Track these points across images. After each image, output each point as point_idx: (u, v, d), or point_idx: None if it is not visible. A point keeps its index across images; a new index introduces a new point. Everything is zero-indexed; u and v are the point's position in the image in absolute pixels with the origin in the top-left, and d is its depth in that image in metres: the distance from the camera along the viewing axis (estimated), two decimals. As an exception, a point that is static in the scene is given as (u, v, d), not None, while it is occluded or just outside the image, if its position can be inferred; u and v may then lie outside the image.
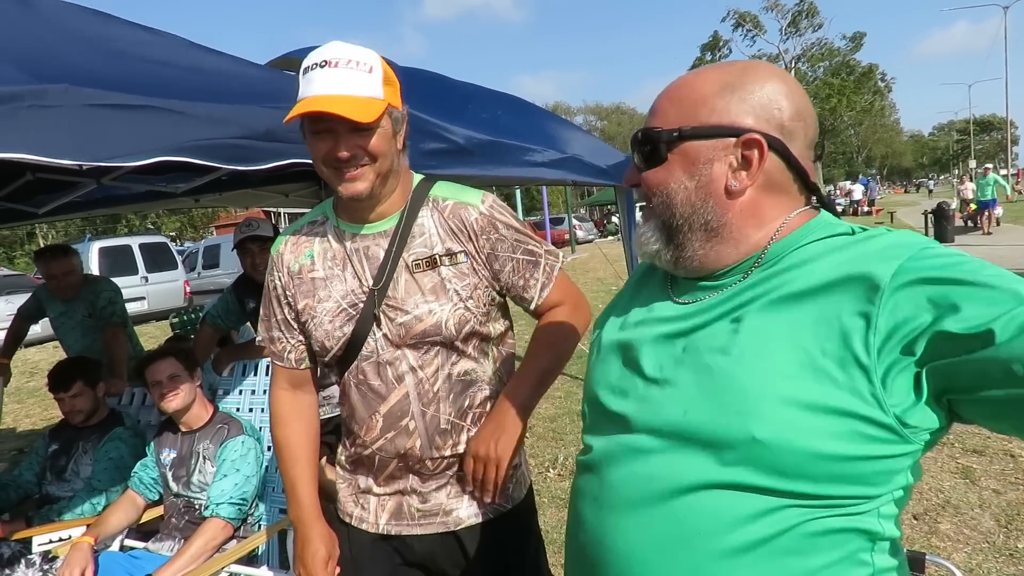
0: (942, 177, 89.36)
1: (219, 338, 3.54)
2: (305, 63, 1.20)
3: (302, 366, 1.44)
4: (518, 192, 21.12)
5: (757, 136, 0.81)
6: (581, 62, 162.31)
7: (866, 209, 29.70)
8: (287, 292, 1.38)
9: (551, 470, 3.95)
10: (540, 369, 1.40)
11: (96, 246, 12.74)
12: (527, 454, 1.51)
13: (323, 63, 1.18)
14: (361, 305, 1.32)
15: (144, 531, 2.59)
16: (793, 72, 39.13)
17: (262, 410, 2.76)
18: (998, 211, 16.91)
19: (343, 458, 1.48)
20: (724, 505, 0.76)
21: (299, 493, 1.44)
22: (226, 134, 1.81)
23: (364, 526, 1.41)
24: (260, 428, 2.67)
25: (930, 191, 55.07)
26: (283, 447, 1.46)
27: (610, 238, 26.15)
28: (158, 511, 2.56)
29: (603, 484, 0.88)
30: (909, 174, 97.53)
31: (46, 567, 2.40)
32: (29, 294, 4.02)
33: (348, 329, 1.32)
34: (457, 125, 2.69)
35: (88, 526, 2.44)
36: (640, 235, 0.92)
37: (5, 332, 4.00)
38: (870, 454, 0.72)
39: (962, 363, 0.66)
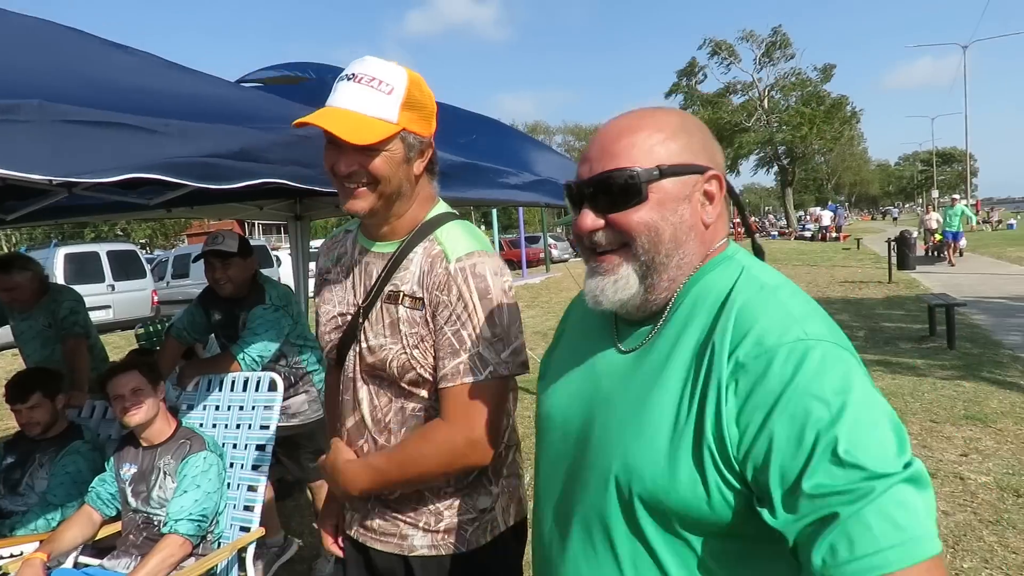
0: (907, 206, 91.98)
1: (184, 351, 3.51)
2: (344, 73, 1.23)
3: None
4: (494, 212, 21.22)
5: (717, 172, 0.88)
6: (560, 83, 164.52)
7: (834, 235, 30.42)
8: (315, 291, 1.50)
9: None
10: (409, 465, 1.28)
11: (62, 252, 12.45)
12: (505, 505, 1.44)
13: (350, 76, 1.21)
14: (349, 317, 1.37)
15: (99, 548, 2.55)
16: (766, 101, 40.08)
17: (225, 426, 2.74)
18: (962, 243, 17.05)
19: None
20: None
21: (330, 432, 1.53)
22: (199, 152, 1.82)
23: (349, 530, 1.48)
24: (223, 444, 2.65)
25: (895, 219, 56.55)
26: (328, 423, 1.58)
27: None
28: (115, 527, 2.52)
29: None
30: (876, 202, 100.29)
31: (-4, 584, 2.34)
32: None
33: (335, 337, 1.39)
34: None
35: (41, 542, 2.39)
36: (606, 284, 0.88)
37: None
38: None
39: None
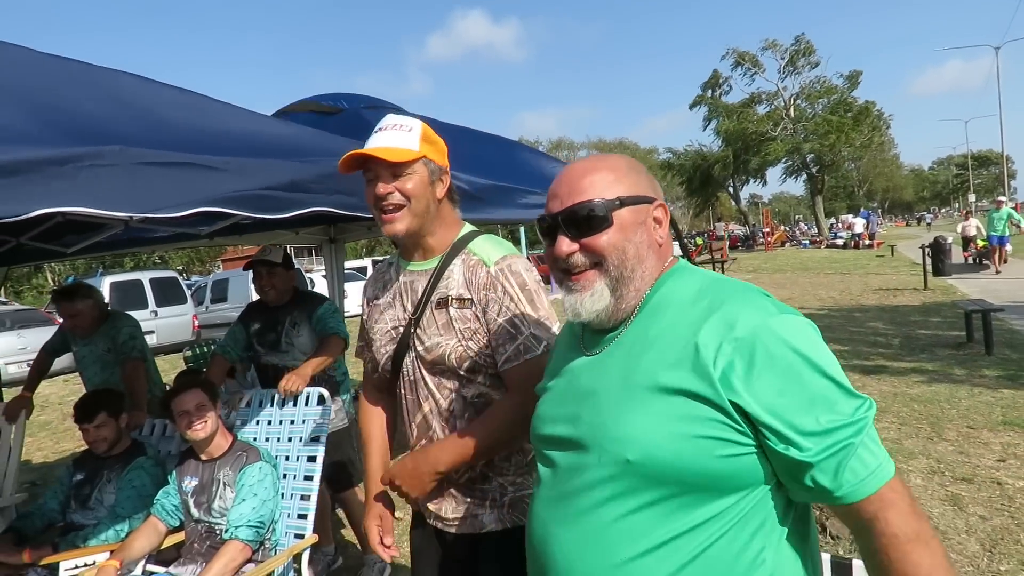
0: (943, 211, 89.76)
1: (229, 368, 3.73)
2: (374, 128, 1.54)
3: (375, 374, 1.73)
4: (522, 229, 21.39)
5: (662, 202, 1.09)
6: (582, 99, 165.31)
7: (867, 242, 29.81)
8: (366, 315, 1.71)
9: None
10: (483, 434, 1.47)
11: (108, 280, 12.97)
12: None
13: (378, 129, 1.52)
14: (402, 329, 1.59)
15: (162, 559, 2.72)
16: (792, 109, 39.73)
17: (278, 439, 2.91)
18: (1008, 247, 15.76)
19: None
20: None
21: (368, 467, 1.75)
22: (256, 185, 2.00)
23: (425, 518, 1.65)
24: (276, 456, 2.81)
25: (928, 224, 55.13)
26: (362, 434, 1.79)
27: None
28: (179, 537, 2.69)
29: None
30: (910, 207, 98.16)
31: (72, 590, 2.52)
32: (39, 328, 4.16)
33: (391, 349, 1.62)
34: (464, 172, 2.89)
35: (112, 552, 2.57)
36: (584, 298, 1.04)
37: (24, 366, 4.14)
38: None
39: None
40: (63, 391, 9.80)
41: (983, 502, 3.53)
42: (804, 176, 42.61)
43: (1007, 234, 15.24)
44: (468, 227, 1.64)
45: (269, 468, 2.64)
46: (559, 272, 1.09)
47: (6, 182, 1.42)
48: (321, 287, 12.88)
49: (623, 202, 1.04)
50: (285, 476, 2.79)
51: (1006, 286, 12.51)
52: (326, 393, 2.92)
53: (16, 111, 1.65)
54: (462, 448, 1.47)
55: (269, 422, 2.97)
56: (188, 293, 14.47)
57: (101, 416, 2.94)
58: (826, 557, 1.44)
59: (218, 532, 2.55)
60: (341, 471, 3.40)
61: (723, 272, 20.92)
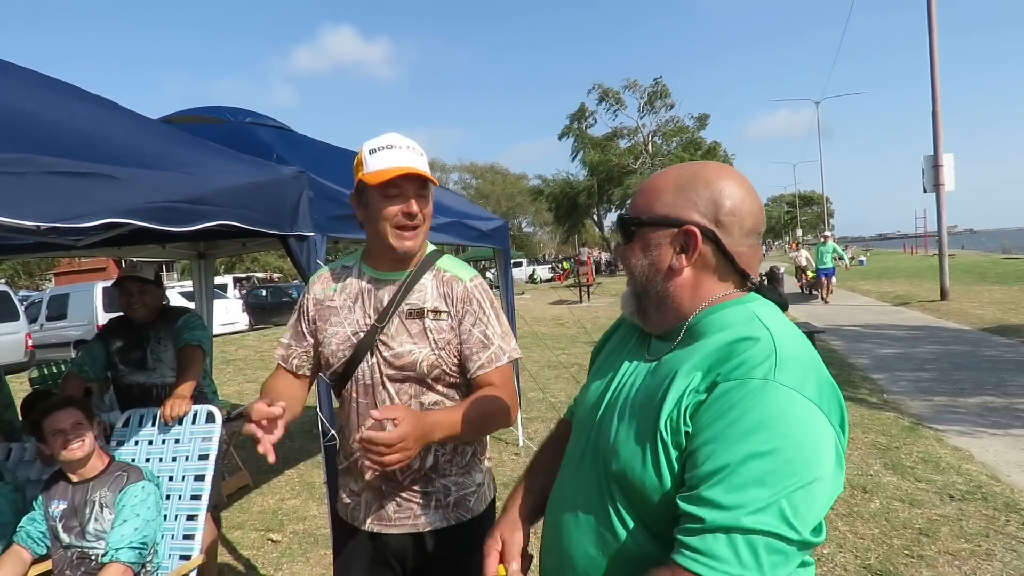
0: (776, 243, 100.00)
1: (84, 389, 3.51)
2: (371, 146, 1.57)
3: (299, 372, 1.74)
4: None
5: (693, 228, 1.01)
6: (453, 121, 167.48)
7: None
8: (310, 312, 1.72)
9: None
10: (476, 414, 1.55)
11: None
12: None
13: (390, 146, 1.56)
14: (362, 335, 1.62)
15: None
16: (650, 145, 42.80)
17: (160, 459, 2.80)
18: (834, 280, 16.84)
19: (340, 466, 1.76)
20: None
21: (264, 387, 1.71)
22: (163, 197, 1.99)
23: (356, 523, 1.69)
24: (159, 476, 2.71)
25: (763, 255, 61.17)
26: (265, 386, 1.71)
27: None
28: (45, 566, 2.51)
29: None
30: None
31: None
32: None
33: (348, 352, 1.63)
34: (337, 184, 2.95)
35: (-35, 585, 2.36)
36: (624, 297, 1.14)
37: None
38: None
39: None
40: None
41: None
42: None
43: (832, 266, 16.42)
44: (431, 245, 1.74)
45: (152, 487, 2.55)
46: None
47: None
48: (178, 302, 11.93)
49: (641, 223, 1.07)
50: (168, 497, 2.70)
51: (828, 311, 14.27)
52: (216, 411, 2.86)
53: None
54: (457, 421, 1.51)
55: (150, 442, 2.85)
56: (21, 309, 12.81)
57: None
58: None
59: (93, 557, 2.42)
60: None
61: (588, 296, 21.94)
